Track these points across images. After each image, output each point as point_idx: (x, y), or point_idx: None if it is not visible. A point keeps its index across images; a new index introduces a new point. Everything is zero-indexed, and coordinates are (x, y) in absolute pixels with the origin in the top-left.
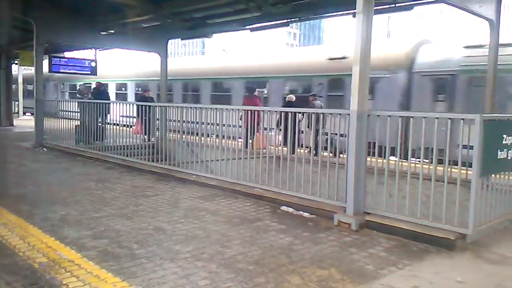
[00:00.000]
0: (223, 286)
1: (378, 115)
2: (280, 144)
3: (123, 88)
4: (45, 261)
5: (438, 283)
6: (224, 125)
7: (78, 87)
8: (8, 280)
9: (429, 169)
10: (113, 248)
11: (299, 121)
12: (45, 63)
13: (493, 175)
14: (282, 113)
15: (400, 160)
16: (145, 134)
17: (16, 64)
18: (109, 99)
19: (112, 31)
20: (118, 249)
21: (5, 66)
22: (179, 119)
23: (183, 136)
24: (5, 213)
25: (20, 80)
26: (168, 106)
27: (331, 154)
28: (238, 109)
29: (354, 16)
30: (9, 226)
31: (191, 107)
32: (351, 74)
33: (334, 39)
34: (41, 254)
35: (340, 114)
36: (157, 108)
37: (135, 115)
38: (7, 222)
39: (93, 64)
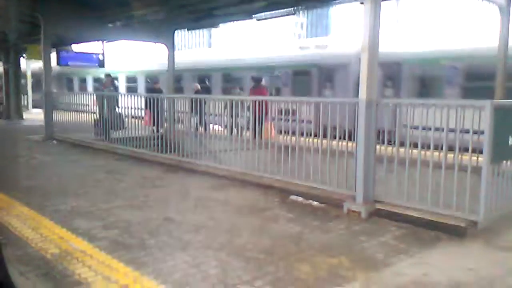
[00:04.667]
0: (233, 274)
1: (387, 103)
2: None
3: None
4: (57, 252)
5: (449, 270)
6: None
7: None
8: (21, 270)
9: (439, 157)
10: (124, 238)
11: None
12: (53, 56)
13: (504, 162)
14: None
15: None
16: (154, 126)
17: (24, 58)
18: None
19: (119, 23)
20: (129, 239)
21: (13, 60)
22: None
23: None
24: (17, 205)
25: (28, 73)
26: (176, 98)
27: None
28: (246, 100)
29: (362, 3)
30: (22, 218)
31: (198, 98)
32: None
33: (342, 28)
34: (53, 245)
35: (348, 103)
36: (165, 100)
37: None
38: (19, 214)
39: (100, 56)
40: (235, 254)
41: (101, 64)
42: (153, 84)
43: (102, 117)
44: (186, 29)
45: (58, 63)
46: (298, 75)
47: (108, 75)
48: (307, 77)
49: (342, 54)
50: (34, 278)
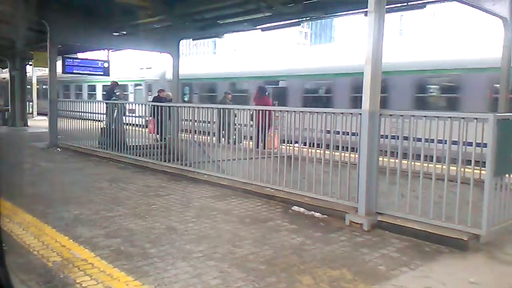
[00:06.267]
0: (234, 285)
1: (391, 115)
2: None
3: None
4: (59, 260)
5: (451, 284)
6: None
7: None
8: (22, 278)
9: (442, 169)
10: (126, 247)
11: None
12: (59, 64)
13: (507, 175)
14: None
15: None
16: (158, 134)
17: (30, 65)
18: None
19: (125, 32)
20: (130, 248)
21: (20, 67)
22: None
23: (195, 136)
24: (20, 213)
25: (34, 81)
26: (180, 107)
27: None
28: (250, 109)
29: (366, 15)
30: (24, 225)
31: (202, 107)
32: None
33: (346, 38)
34: (55, 253)
35: (351, 113)
36: (169, 109)
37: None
38: (22, 221)
39: (105, 64)
40: (237, 264)
41: (106, 72)
42: (158, 92)
43: (110, 126)
44: (191, 39)
45: (63, 71)
46: (137, 86)
47: (115, 83)
48: (141, 88)
49: (155, 74)
50: (35, 286)
